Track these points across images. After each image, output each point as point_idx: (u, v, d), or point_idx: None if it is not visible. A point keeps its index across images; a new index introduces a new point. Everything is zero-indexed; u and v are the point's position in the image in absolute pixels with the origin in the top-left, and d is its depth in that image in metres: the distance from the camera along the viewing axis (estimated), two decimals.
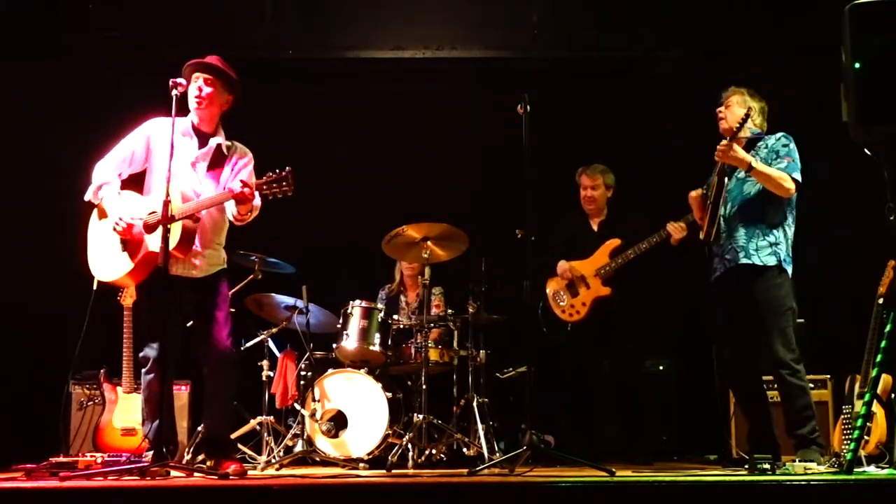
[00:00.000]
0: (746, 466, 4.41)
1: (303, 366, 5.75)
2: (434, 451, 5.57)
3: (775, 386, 4.82)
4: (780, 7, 6.61)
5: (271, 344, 5.92)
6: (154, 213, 4.44)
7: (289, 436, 5.61)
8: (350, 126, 7.01)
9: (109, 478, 4.11)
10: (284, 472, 5.18)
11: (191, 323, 4.71)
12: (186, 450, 5.53)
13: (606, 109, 7.03)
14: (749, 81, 5.03)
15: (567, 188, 6.32)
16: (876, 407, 4.72)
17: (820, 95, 5.25)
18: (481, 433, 5.57)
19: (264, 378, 5.76)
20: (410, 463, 5.40)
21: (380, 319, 5.77)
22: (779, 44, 6.66)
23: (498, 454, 5.54)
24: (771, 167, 4.70)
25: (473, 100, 7.09)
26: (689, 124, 6.08)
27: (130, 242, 4.52)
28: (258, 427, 5.67)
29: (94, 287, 5.08)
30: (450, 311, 5.97)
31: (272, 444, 5.57)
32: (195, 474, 4.45)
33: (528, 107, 4.71)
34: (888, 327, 4.21)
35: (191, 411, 5.86)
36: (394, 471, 5.07)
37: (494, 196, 6.57)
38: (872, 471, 4.44)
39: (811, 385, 5.10)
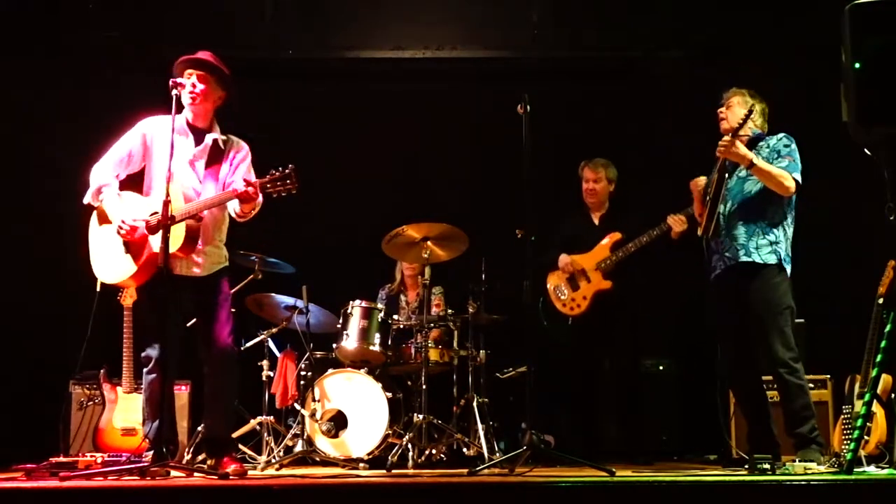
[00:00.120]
0: (746, 466, 4.41)
1: (303, 366, 5.75)
2: (434, 451, 5.57)
3: (775, 386, 4.82)
4: (780, 7, 6.61)
5: (271, 344, 5.92)
6: (156, 213, 4.41)
7: (289, 436, 5.61)
8: (350, 126, 7.01)
9: (109, 478, 4.11)
10: (284, 472, 5.18)
11: (192, 322, 4.71)
12: (186, 450, 5.53)
13: (606, 109, 7.03)
14: (749, 81, 5.03)
15: (567, 188, 6.32)
16: (876, 407, 4.72)
17: (820, 95, 5.25)
18: (481, 433, 5.57)
19: (264, 378, 5.76)
20: (410, 463, 5.40)
21: (380, 319, 5.78)
22: (779, 44, 6.66)
23: (498, 454, 5.54)
24: (772, 165, 4.71)
25: (473, 100, 7.10)
26: (689, 124, 6.08)
27: (133, 244, 4.51)
28: (258, 427, 5.67)
29: (98, 289, 5.09)
30: (450, 311, 5.97)
31: (272, 444, 5.57)
32: (195, 474, 4.44)
33: (528, 107, 4.71)
34: (888, 327, 4.21)
35: (191, 411, 5.85)
36: (394, 471, 5.06)
37: (494, 196, 6.57)
38: (872, 471, 4.44)
39: (811, 385, 5.10)
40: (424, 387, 5.49)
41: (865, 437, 4.65)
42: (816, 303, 5.60)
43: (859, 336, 4.91)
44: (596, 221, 6.16)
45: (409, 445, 5.43)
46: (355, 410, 5.51)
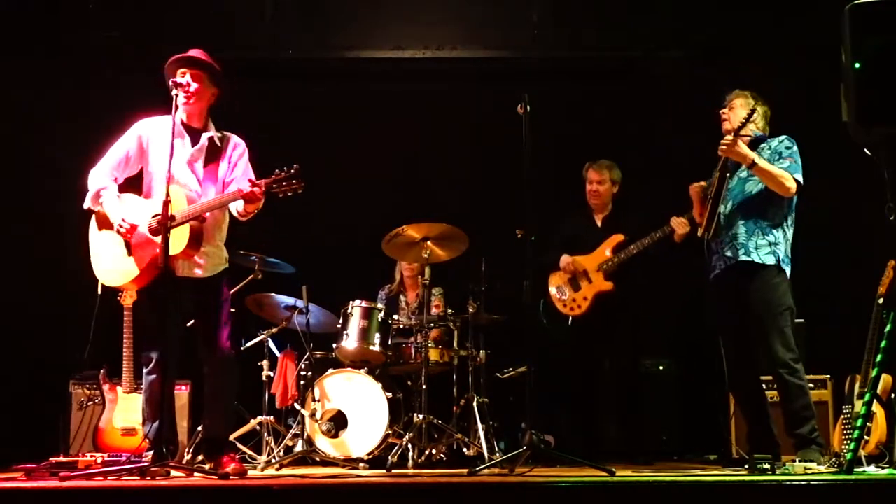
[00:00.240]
0: (746, 466, 4.41)
1: (303, 366, 5.75)
2: (434, 451, 5.57)
3: (774, 386, 4.82)
4: (780, 7, 6.61)
5: (271, 344, 5.92)
6: (157, 215, 4.38)
7: (289, 436, 5.61)
8: (350, 126, 7.01)
9: (109, 478, 4.11)
10: (284, 472, 5.18)
11: (191, 323, 4.70)
12: (186, 450, 5.53)
13: (606, 109, 7.03)
14: (749, 82, 5.03)
15: (567, 188, 6.32)
16: (876, 407, 4.72)
17: (820, 95, 5.25)
18: (481, 433, 5.57)
19: (264, 378, 5.76)
20: (410, 463, 5.40)
21: (380, 319, 5.77)
22: (779, 44, 6.66)
23: (498, 454, 5.54)
24: (773, 166, 4.71)
25: (473, 100, 7.10)
26: (689, 124, 6.09)
27: (136, 247, 4.50)
28: (258, 427, 5.67)
29: (99, 292, 5.08)
30: (450, 311, 5.97)
31: (272, 444, 5.57)
32: (195, 474, 4.44)
33: (528, 107, 4.71)
34: (888, 327, 4.21)
35: (191, 411, 5.85)
36: (394, 471, 5.07)
37: (494, 196, 6.57)
38: (872, 471, 4.44)
39: (811, 385, 5.10)
40: (424, 387, 5.49)
41: (865, 437, 4.65)
42: (816, 303, 5.61)
43: (859, 336, 4.90)
44: (598, 223, 6.16)
45: (409, 445, 5.43)
46: (355, 410, 5.51)
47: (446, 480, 4.25)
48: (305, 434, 5.45)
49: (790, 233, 4.81)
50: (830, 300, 6.01)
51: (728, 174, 4.86)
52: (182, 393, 5.84)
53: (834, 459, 4.58)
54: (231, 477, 4.29)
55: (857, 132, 3.80)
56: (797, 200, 4.81)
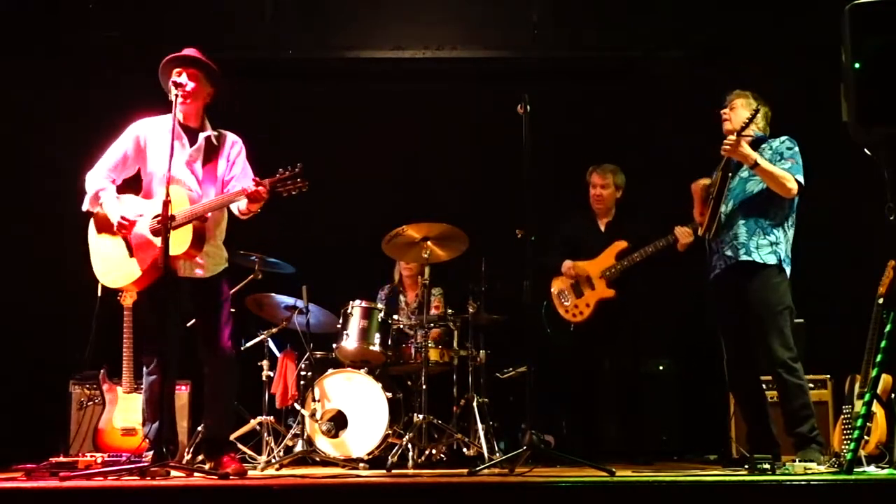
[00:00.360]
0: (746, 466, 4.41)
1: (303, 366, 5.75)
2: (434, 451, 5.57)
3: (774, 386, 4.83)
4: (780, 7, 6.61)
5: (271, 344, 5.92)
6: (158, 216, 4.37)
7: (289, 436, 5.61)
8: (350, 126, 7.01)
9: (109, 478, 4.11)
10: (284, 472, 5.18)
11: (191, 323, 4.70)
12: (186, 450, 5.53)
13: (606, 109, 7.03)
14: (749, 82, 5.03)
15: (567, 188, 6.32)
16: (876, 407, 4.72)
17: (820, 95, 5.25)
18: (481, 433, 5.57)
19: (264, 378, 5.76)
20: (410, 463, 5.40)
21: (380, 319, 5.77)
22: (779, 44, 6.66)
23: (498, 454, 5.54)
24: (775, 166, 4.71)
25: (473, 100, 7.10)
26: (689, 124, 6.09)
27: (137, 248, 4.49)
28: (258, 427, 5.67)
29: (99, 292, 5.08)
30: (450, 311, 5.97)
31: (272, 444, 5.57)
32: (195, 474, 4.44)
33: (528, 107, 4.71)
34: (888, 327, 4.21)
35: (191, 411, 5.85)
36: (394, 471, 5.07)
37: (494, 196, 6.57)
38: (872, 471, 4.44)
39: (811, 385, 5.10)
40: (424, 387, 5.49)
41: (865, 437, 4.65)
42: (816, 303, 5.61)
43: (859, 336, 4.91)
44: (602, 228, 6.15)
45: (409, 445, 5.43)
46: (355, 410, 5.51)
47: (446, 480, 4.24)
48: (305, 434, 5.45)
49: (791, 233, 4.81)
50: (830, 300, 6.01)
51: (730, 174, 4.86)
52: (182, 393, 5.84)
53: (834, 459, 4.58)
54: (231, 477, 4.29)
55: (857, 132, 3.80)
56: (798, 200, 4.82)
